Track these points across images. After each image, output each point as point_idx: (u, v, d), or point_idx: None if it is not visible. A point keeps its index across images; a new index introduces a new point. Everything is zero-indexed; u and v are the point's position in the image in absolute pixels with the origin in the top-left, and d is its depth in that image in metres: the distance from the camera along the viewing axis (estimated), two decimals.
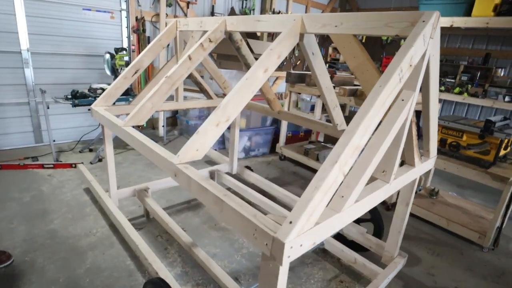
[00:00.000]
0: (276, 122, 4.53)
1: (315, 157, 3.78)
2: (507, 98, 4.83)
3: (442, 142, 2.84)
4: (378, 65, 7.23)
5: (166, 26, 2.43)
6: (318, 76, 1.79)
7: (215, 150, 4.33)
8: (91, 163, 3.71)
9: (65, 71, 4.10)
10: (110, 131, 2.20)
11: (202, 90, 2.82)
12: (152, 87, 2.45)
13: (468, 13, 4.95)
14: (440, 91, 5.58)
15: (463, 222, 2.76)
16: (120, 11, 4.32)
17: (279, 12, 6.40)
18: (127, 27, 4.45)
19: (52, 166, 3.50)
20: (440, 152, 2.82)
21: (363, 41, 7.31)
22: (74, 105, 3.39)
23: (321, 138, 4.72)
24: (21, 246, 2.20)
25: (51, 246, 2.23)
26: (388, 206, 3.20)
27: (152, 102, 1.82)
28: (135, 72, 2.33)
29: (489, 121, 2.53)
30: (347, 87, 3.02)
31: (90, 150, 4.10)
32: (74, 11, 3.96)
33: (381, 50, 6.99)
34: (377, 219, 2.32)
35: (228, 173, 3.26)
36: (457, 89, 5.38)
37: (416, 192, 3.06)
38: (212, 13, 5.44)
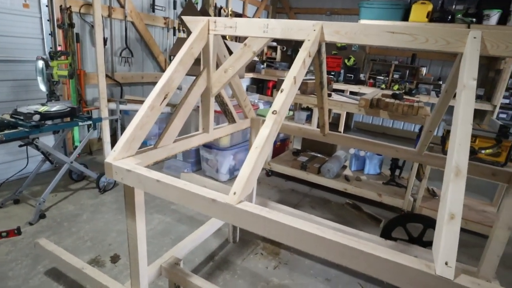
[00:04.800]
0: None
1: (316, 171, 3.49)
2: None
3: None
4: None
5: (195, 27, 1.70)
6: None
7: (189, 172, 3.58)
8: (30, 224, 2.51)
9: None
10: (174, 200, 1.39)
11: (226, 112, 2.14)
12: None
13: (404, 18, 5.43)
14: (381, 88, 6.05)
15: (478, 220, 2.94)
16: None
17: (221, 8, 5.78)
18: (49, 20, 3.17)
19: None
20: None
21: None
22: None
23: (294, 145, 4.47)
24: None
25: None
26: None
27: (263, 155, 1.17)
28: (164, 98, 1.54)
29: (504, 126, 2.72)
30: (368, 98, 2.82)
31: (17, 202, 2.79)
32: None
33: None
34: None
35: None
36: (396, 86, 5.92)
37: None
38: (153, 5, 4.47)
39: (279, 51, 7.27)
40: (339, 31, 1.41)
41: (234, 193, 1.08)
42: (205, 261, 2.27)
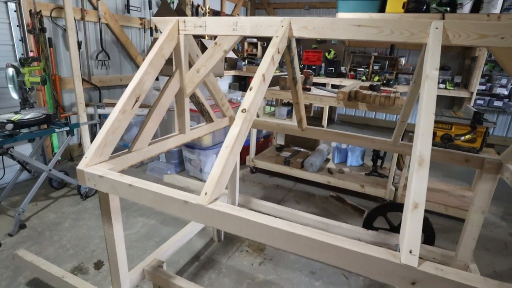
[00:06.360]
0: None
1: (299, 166, 3.52)
2: None
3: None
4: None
5: (163, 28, 1.68)
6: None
7: (173, 173, 3.56)
8: (10, 235, 2.45)
9: None
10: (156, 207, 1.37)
11: (203, 112, 2.13)
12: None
13: (381, 9, 5.50)
14: (362, 80, 6.13)
15: (457, 205, 3.02)
16: (6, 2, 2.93)
17: (198, 6, 5.72)
18: (18, 25, 3.07)
19: None
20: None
21: None
22: None
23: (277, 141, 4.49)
24: None
25: None
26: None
27: (234, 154, 1.17)
28: (136, 100, 1.52)
29: (477, 113, 2.79)
30: (345, 91, 2.85)
31: None
32: None
33: (297, 44, 7.17)
34: (427, 227, 2.26)
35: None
36: (376, 78, 6.00)
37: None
38: (128, 6, 4.38)
39: (259, 47, 7.26)
40: (307, 26, 1.41)
41: (206, 194, 1.07)
42: (190, 262, 2.26)
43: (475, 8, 4.96)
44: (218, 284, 2.07)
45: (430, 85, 1.08)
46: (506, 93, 5.58)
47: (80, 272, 2.11)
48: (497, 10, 4.75)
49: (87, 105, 3.69)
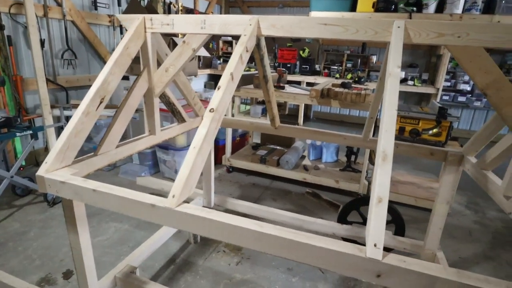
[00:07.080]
0: None
1: (275, 164, 3.54)
2: None
3: (400, 130, 3.12)
4: (272, 56, 7.46)
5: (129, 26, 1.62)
6: None
7: (147, 175, 3.47)
8: None
9: None
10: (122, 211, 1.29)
11: (174, 112, 2.08)
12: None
13: (352, 8, 5.63)
14: (336, 78, 6.25)
15: (426, 196, 3.15)
16: None
17: (170, 4, 5.60)
18: None
19: None
20: (399, 139, 3.09)
21: None
22: None
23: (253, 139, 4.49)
24: None
25: None
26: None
27: (203, 155, 1.15)
28: (101, 102, 1.46)
29: (442, 108, 2.92)
30: (318, 89, 2.89)
31: None
32: None
33: (273, 42, 7.19)
34: (398, 219, 2.33)
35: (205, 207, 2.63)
36: (349, 75, 6.13)
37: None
38: (95, 3, 4.21)
39: (235, 46, 7.21)
40: (275, 25, 1.41)
41: (173, 196, 1.05)
42: (166, 265, 2.21)
43: (440, 8, 5.19)
44: (195, 286, 2.04)
45: (392, 82, 1.11)
46: (469, 88, 5.88)
47: (48, 283, 2.01)
48: (459, 10, 4.98)
49: (52, 106, 3.51)
